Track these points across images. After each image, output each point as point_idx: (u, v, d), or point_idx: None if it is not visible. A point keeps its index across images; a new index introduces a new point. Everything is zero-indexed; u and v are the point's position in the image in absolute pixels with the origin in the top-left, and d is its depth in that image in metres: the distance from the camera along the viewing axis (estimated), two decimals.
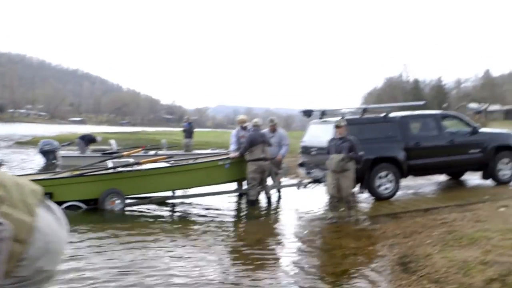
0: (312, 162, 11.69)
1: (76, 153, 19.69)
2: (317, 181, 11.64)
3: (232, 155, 11.24)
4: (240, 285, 5.70)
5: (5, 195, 1.80)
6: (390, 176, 11.07)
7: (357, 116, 11.89)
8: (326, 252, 7.23)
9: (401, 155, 11.24)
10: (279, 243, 7.94)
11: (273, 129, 12.01)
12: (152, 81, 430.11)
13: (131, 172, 10.77)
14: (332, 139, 9.37)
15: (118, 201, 10.31)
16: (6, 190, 1.82)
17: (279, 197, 12.04)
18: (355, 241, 7.60)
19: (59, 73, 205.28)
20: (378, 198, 10.98)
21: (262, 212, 10.63)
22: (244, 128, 11.87)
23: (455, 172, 13.38)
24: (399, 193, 11.33)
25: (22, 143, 33.19)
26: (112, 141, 20.24)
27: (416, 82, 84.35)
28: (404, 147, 11.34)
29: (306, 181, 12.01)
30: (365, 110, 12.11)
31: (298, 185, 11.87)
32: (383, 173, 11.03)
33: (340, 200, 9.17)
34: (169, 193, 11.18)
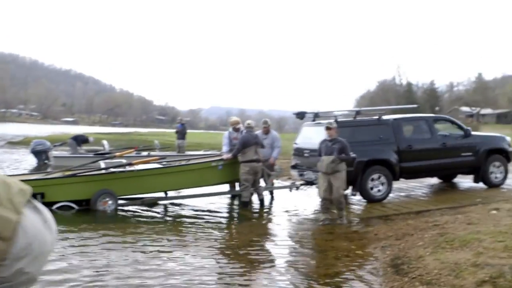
0: (305, 164, 11.70)
1: (68, 153, 19.61)
2: (310, 183, 11.65)
3: (225, 156, 11.23)
4: (233, 285, 5.71)
5: None
6: (383, 179, 11.10)
7: (350, 119, 11.92)
8: (319, 253, 7.25)
9: (393, 157, 11.27)
10: (271, 244, 7.94)
11: (267, 131, 12.02)
12: (145, 82, 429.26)
13: (124, 172, 10.74)
14: (323, 141, 9.39)
15: (110, 202, 10.28)
16: None
17: (272, 198, 12.05)
18: (348, 243, 7.63)
19: (52, 73, 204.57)
20: (371, 200, 11.00)
21: (255, 214, 10.63)
22: (236, 130, 11.86)
23: (447, 175, 13.43)
24: (391, 195, 11.36)
25: (14, 143, 33.04)
26: (105, 142, 20.18)
27: (409, 85, 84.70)
28: (397, 149, 11.37)
29: (298, 183, 12.02)
30: (358, 113, 12.14)
31: (291, 187, 11.87)
32: (375, 176, 11.05)
33: (332, 202, 9.18)
34: (161, 194, 11.16)
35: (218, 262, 6.77)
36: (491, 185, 12.32)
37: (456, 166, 12.27)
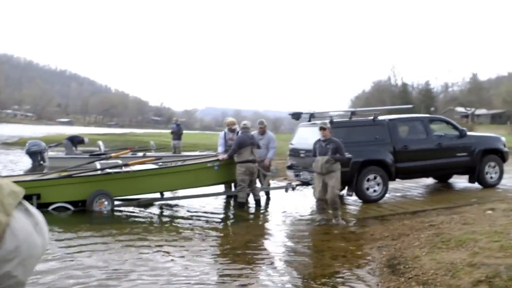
0: (301, 164, 11.72)
1: (63, 154, 19.56)
2: (305, 183, 11.67)
3: (221, 157, 11.22)
4: (230, 286, 5.71)
5: None
6: (378, 179, 11.13)
7: (345, 119, 11.94)
8: (315, 254, 7.25)
9: (389, 158, 11.30)
10: (268, 245, 7.94)
11: (263, 131, 12.03)
12: (140, 82, 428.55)
13: (120, 173, 10.73)
14: (317, 141, 9.40)
15: (106, 203, 10.27)
16: None
17: (268, 199, 12.06)
18: (344, 243, 7.65)
19: (47, 74, 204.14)
20: (366, 200, 11.03)
21: (251, 214, 10.64)
22: (232, 131, 11.86)
23: (443, 175, 13.47)
24: (387, 195, 11.39)
25: (9, 144, 32.93)
26: (100, 143, 20.15)
27: (404, 85, 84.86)
28: (392, 150, 11.40)
29: (294, 183, 12.04)
30: (353, 113, 12.16)
31: (287, 187, 11.88)
32: (371, 176, 11.08)
33: (327, 203, 9.19)
34: (157, 195, 11.15)
35: (215, 263, 6.77)
36: (487, 185, 12.37)
37: (451, 166, 12.31)
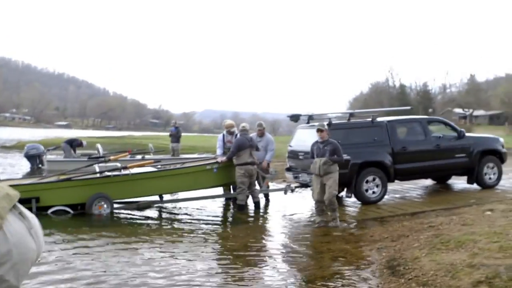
0: (300, 166, 11.73)
1: (62, 157, 19.54)
2: (304, 185, 11.68)
3: (220, 159, 11.23)
4: None
5: None
6: (377, 180, 11.14)
7: (344, 121, 11.95)
8: (315, 255, 7.26)
9: (388, 159, 11.31)
10: (268, 247, 7.94)
11: (261, 134, 12.04)
12: (139, 85, 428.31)
13: (119, 176, 10.73)
14: (315, 143, 9.42)
15: (105, 206, 10.27)
16: None
17: (267, 201, 12.06)
18: (344, 245, 7.66)
19: (45, 77, 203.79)
20: (366, 202, 11.04)
21: (250, 217, 10.63)
22: (231, 133, 11.87)
23: (441, 176, 13.48)
24: (386, 197, 11.40)
25: (8, 148, 32.89)
26: (99, 146, 20.13)
27: (402, 87, 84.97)
28: (391, 151, 11.41)
29: (293, 185, 12.04)
30: (352, 115, 12.18)
31: (286, 189, 11.88)
32: (370, 178, 11.09)
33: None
34: (157, 198, 11.15)
35: (216, 265, 6.77)
36: (485, 186, 12.38)
37: (450, 167, 12.32)
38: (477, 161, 12.26)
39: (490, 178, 12.47)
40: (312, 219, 9.76)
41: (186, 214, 10.72)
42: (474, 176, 12.36)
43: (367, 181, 11.08)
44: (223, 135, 12.04)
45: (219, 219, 10.65)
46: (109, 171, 11.05)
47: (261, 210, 11.16)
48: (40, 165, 19.71)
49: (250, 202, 11.32)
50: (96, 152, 19.57)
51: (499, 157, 12.63)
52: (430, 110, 71.56)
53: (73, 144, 19.95)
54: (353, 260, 6.80)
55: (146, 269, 6.40)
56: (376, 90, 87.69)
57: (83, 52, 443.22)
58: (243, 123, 11.57)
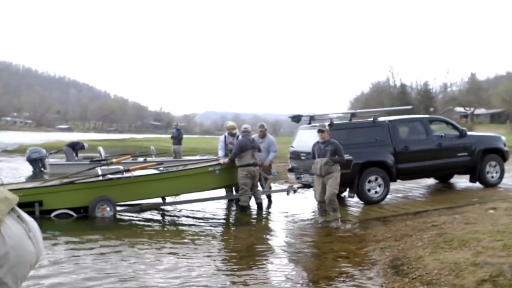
0: (302, 167, 11.73)
1: (64, 160, 19.56)
2: (307, 186, 11.68)
3: (222, 161, 11.23)
4: None
5: None
6: (380, 180, 11.14)
7: (345, 121, 11.96)
8: (319, 256, 7.27)
9: (390, 159, 11.31)
10: (270, 248, 7.95)
11: (263, 135, 12.06)
12: (139, 87, 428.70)
13: (121, 179, 10.73)
14: (316, 143, 9.44)
15: (108, 209, 10.27)
16: None
17: (270, 202, 12.07)
18: (347, 245, 7.66)
19: (45, 81, 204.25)
20: (368, 202, 11.04)
21: (253, 218, 10.64)
22: (232, 135, 11.88)
23: (444, 175, 13.48)
24: (388, 197, 11.40)
25: (10, 152, 32.91)
26: (100, 148, 20.14)
27: (402, 86, 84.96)
28: (393, 151, 11.41)
29: (296, 186, 12.05)
30: (353, 115, 12.18)
31: (288, 190, 11.89)
32: (372, 177, 11.09)
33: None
34: (159, 200, 11.15)
35: (220, 267, 6.78)
36: (488, 184, 12.38)
37: (452, 166, 12.32)
38: (479, 160, 12.26)
39: (492, 177, 12.47)
40: (315, 220, 9.77)
41: (189, 216, 10.73)
42: (476, 174, 12.37)
43: (369, 181, 11.08)
44: (225, 137, 12.06)
45: (222, 220, 10.66)
46: (111, 174, 11.06)
47: (264, 211, 11.16)
48: (42, 169, 19.72)
49: (253, 203, 11.33)
50: (98, 155, 19.58)
51: (501, 155, 12.63)
52: (432, 109, 71.56)
53: (76, 147, 19.98)
54: (356, 260, 6.80)
55: (150, 271, 6.41)
56: (377, 89, 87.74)
57: (84, 55, 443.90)
58: (245, 125, 11.59)
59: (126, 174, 10.89)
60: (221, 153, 11.87)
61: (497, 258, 5.46)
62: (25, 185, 11.07)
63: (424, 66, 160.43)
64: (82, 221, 9.96)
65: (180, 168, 12.22)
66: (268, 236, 8.95)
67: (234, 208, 11.62)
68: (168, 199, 11.40)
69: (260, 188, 11.62)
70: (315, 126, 11.32)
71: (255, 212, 11.02)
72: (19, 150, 31.74)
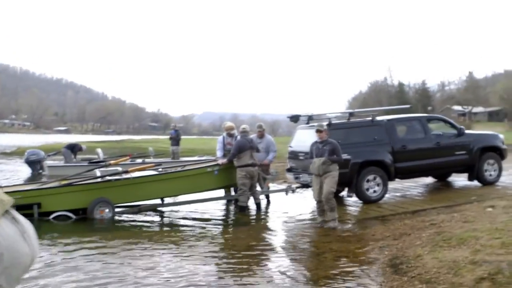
0: (300, 167, 11.74)
1: (62, 162, 19.56)
2: (305, 185, 11.68)
3: (221, 161, 11.24)
4: None
5: None
6: (378, 179, 11.15)
7: (344, 121, 11.97)
8: (318, 255, 7.27)
9: (388, 158, 11.33)
10: (270, 248, 7.95)
11: (261, 135, 12.06)
12: (137, 89, 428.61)
13: (120, 180, 10.73)
14: (314, 143, 9.44)
15: (107, 210, 10.27)
16: None
17: (268, 202, 12.07)
18: (346, 244, 7.67)
19: (43, 83, 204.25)
20: (367, 201, 11.05)
21: (252, 218, 10.64)
22: (231, 135, 11.88)
23: (442, 174, 13.49)
24: (387, 196, 11.41)
25: (8, 154, 32.88)
26: (99, 150, 20.15)
27: (400, 85, 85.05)
28: (391, 150, 11.42)
29: (294, 186, 12.05)
30: (351, 115, 12.20)
31: (287, 190, 11.90)
32: (371, 177, 11.10)
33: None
34: (158, 201, 11.15)
35: (219, 267, 6.79)
36: (486, 182, 12.39)
37: (450, 165, 12.33)
38: (477, 158, 12.28)
39: (490, 175, 12.49)
40: (313, 219, 9.78)
41: (188, 216, 10.73)
42: (474, 173, 12.38)
43: (368, 180, 11.09)
44: (223, 137, 12.05)
45: (221, 221, 10.66)
46: (110, 175, 11.06)
47: (263, 211, 11.17)
48: (40, 171, 19.73)
49: (252, 204, 11.34)
50: (96, 156, 19.59)
51: (499, 153, 12.65)
52: (430, 108, 71.61)
53: (74, 149, 19.99)
54: (355, 259, 6.81)
55: (149, 273, 6.40)
56: (375, 89, 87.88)
57: (81, 57, 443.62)
58: (243, 125, 11.61)
59: (124, 176, 10.89)
60: (219, 153, 11.86)
61: (496, 256, 5.48)
62: (23, 187, 11.07)
63: (422, 64, 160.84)
64: (81, 223, 9.96)
65: (179, 169, 12.22)
66: (267, 236, 8.95)
67: (233, 208, 11.62)
68: (167, 200, 11.40)
69: (258, 188, 11.62)
70: (314, 126, 11.33)
71: (254, 212, 11.02)
72: (17, 153, 31.72)
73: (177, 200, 11.78)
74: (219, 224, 10.24)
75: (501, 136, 13.23)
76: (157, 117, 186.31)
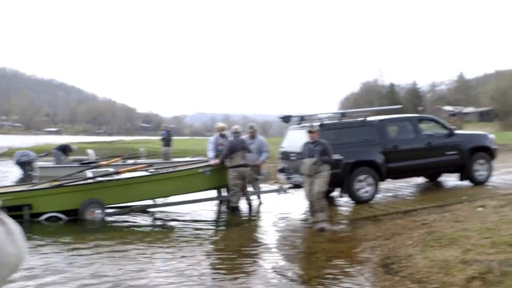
0: (292, 167, 11.74)
1: (53, 163, 19.47)
2: (297, 186, 11.69)
3: (213, 162, 11.23)
4: None
5: None
6: (370, 180, 11.17)
7: (335, 121, 11.99)
8: (309, 255, 7.29)
9: (379, 158, 11.35)
10: (262, 248, 7.95)
11: (253, 136, 12.06)
12: (128, 89, 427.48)
13: (111, 181, 10.71)
14: (306, 144, 9.46)
15: (98, 211, 10.24)
16: None
17: (260, 203, 12.07)
18: (337, 244, 7.68)
19: (34, 83, 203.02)
20: (358, 201, 11.06)
21: (244, 218, 10.64)
22: (223, 136, 11.87)
23: (433, 174, 13.54)
24: (378, 196, 11.44)
25: None
26: (90, 151, 20.08)
27: (391, 86, 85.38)
28: (383, 150, 11.45)
29: (286, 186, 12.06)
30: (343, 115, 12.22)
31: (279, 190, 11.91)
32: (362, 177, 11.12)
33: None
34: (150, 202, 11.13)
35: (210, 268, 6.79)
36: (476, 182, 12.45)
37: (441, 165, 12.37)
38: (468, 158, 12.33)
39: (481, 175, 12.54)
40: (305, 220, 9.79)
41: (180, 217, 10.71)
42: (465, 173, 12.44)
43: (359, 181, 11.11)
44: (215, 138, 12.04)
45: (213, 221, 10.65)
46: (101, 176, 11.02)
47: (254, 212, 11.18)
48: (31, 172, 19.63)
49: (243, 204, 11.34)
50: (87, 157, 19.52)
51: (490, 153, 12.71)
52: (421, 108, 71.89)
53: (66, 150, 19.92)
54: (347, 259, 6.83)
55: (140, 274, 6.39)
56: (366, 89, 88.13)
57: (72, 58, 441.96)
58: (235, 125, 11.61)
59: (116, 177, 10.86)
60: (211, 154, 11.85)
61: (486, 255, 5.51)
62: (14, 189, 11.02)
63: (413, 65, 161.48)
64: (72, 224, 9.92)
65: (170, 170, 12.20)
66: (259, 237, 8.96)
67: (224, 209, 11.61)
68: (159, 201, 11.38)
69: (250, 189, 11.63)
70: (305, 126, 11.35)
71: (246, 213, 11.03)
72: (8, 154, 31.49)
73: (169, 201, 11.76)
74: (211, 225, 10.24)
75: (492, 136, 13.29)
76: (149, 117, 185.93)
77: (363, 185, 11.14)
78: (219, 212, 11.50)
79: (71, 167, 17.00)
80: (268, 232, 9.22)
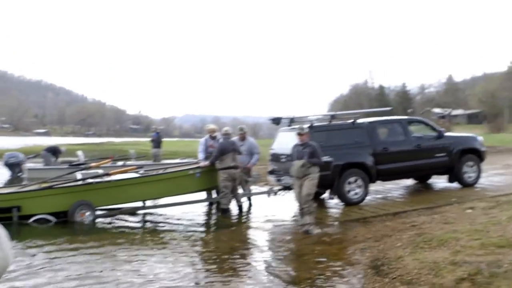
0: (282, 169, 11.75)
1: (42, 165, 19.37)
2: (287, 188, 11.69)
3: (203, 164, 11.22)
4: None
5: None
6: (359, 182, 11.22)
7: (325, 123, 12.01)
8: (300, 257, 7.29)
9: (369, 160, 11.40)
10: (252, 250, 7.96)
11: (243, 137, 12.05)
12: (117, 91, 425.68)
13: (101, 183, 10.67)
14: (295, 146, 9.46)
15: (88, 213, 10.20)
16: None
17: (250, 205, 12.07)
18: (327, 246, 7.70)
19: (22, 84, 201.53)
20: (348, 203, 11.10)
21: (234, 221, 10.64)
22: (213, 138, 11.86)
23: (422, 176, 13.61)
24: (368, 198, 11.48)
25: None
26: (80, 153, 20.00)
27: (381, 88, 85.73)
28: (372, 152, 11.50)
29: (276, 188, 12.07)
30: (333, 117, 12.26)
31: (269, 192, 11.92)
32: (352, 179, 11.16)
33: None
34: (139, 204, 11.10)
35: (201, 271, 6.78)
36: (466, 184, 12.53)
37: (431, 167, 12.44)
38: (457, 160, 12.41)
39: (470, 177, 12.63)
40: (295, 222, 9.80)
41: (169, 219, 10.69)
42: (454, 175, 12.52)
43: (349, 183, 11.14)
44: (205, 140, 12.03)
45: (203, 224, 10.63)
46: (91, 178, 10.98)
47: (244, 214, 11.18)
48: (20, 174, 19.52)
49: (233, 206, 11.33)
50: (76, 159, 19.44)
51: (479, 155, 12.80)
52: (410, 110, 72.24)
53: (55, 151, 19.82)
54: (337, 261, 6.84)
55: (130, 276, 6.37)
56: (355, 91, 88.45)
57: (61, 59, 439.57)
58: (226, 127, 11.59)
59: (105, 178, 10.82)
60: (201, 156, 11.84)
61: (475, 256, 5.55)
62: (2, 190, 10.95)
63: (402, 67, 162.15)
64: (62, 226, 9.87)
65: (160, 171, 12.18)
66: (249, 239, 8.95)
67: (214, 211, 11.61)
68: (148, 203, 11.34)
69: (240, 190, 11.63)
70: (295, 128, 11.36)
71: (236, 215, 11.03)
72: None
73: (159, 203, 11.73)
74: (201, 227, 10.22)
75: (480, 138, 13.39)
76: (138, 119, 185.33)
77: (353, 187, 11.19)
78: (209, 214, 11.49)
79: (61, 168, 16.92)
80: (258, 234, 9.21)
